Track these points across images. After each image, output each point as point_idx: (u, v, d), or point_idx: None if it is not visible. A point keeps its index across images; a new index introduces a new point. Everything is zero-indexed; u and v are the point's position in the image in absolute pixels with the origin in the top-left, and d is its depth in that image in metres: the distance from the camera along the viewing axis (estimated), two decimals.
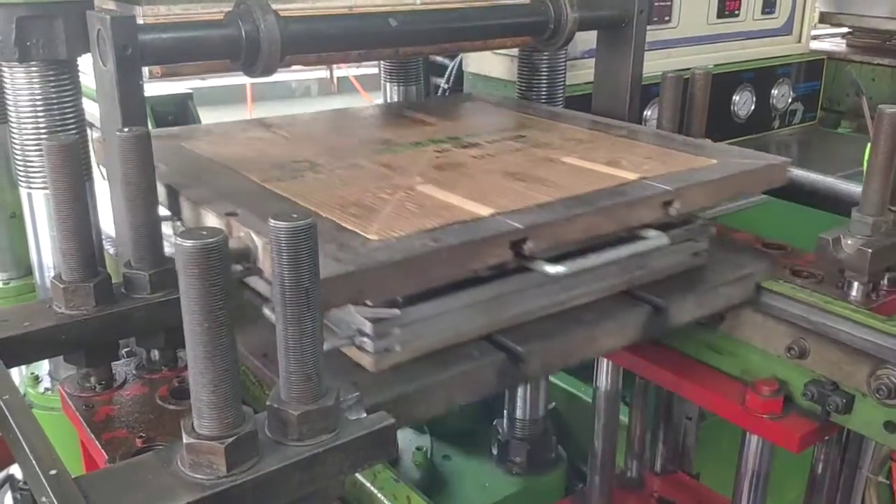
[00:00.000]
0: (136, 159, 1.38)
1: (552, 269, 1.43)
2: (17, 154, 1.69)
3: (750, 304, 1.82)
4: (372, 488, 1.22)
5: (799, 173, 2.12)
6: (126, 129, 1.38)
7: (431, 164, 1.74)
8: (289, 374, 1.06)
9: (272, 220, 1.00)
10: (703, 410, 2.51)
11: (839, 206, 2.32)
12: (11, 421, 1.10)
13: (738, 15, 3.35)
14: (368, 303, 1.34)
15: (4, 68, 1.63)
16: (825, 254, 1.79)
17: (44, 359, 1.69)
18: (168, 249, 1.47)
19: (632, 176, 1.66)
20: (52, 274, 1.74)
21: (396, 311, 1.36)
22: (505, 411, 2.82)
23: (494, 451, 2.83)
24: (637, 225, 1.59)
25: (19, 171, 1.71)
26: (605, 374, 2.18)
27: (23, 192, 1.74)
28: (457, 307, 1.46)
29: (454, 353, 1.45)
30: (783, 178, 1.83)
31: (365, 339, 1.36)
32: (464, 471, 2.85)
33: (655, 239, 1.59)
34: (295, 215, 1.01)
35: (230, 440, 0.99)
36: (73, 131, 1.65)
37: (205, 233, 0.95)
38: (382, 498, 1.21)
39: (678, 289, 1.72)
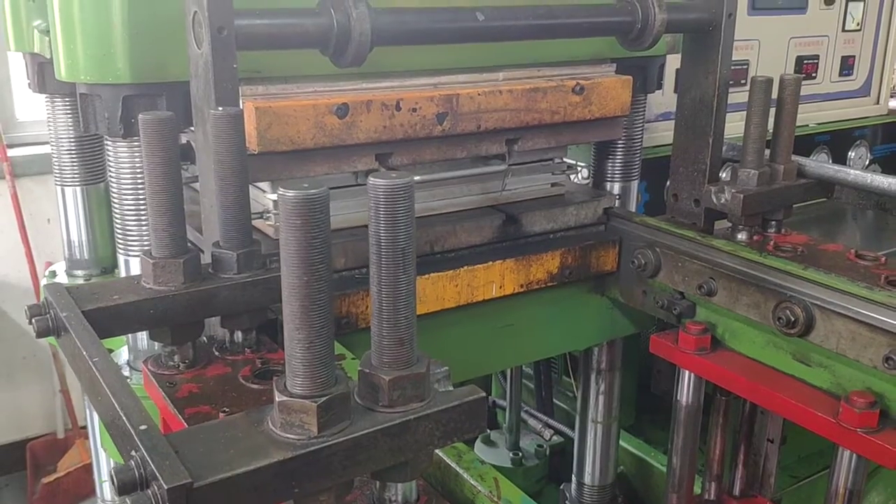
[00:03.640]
0: (229, 139, 1.39)
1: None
2: (117, 222, 1.73)
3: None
4: (458, 469, 1.19)
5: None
6: (220, 108, 1.39)
7: None
8: (381, 338, 1.03)
9: (371, 178, 0.99)
10: (786, 434, 2.40)
11: None
12: (102, 381, 1.09)
13: (815, 77, 3.32)
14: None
15: (108, 142, 1.69)
16: None
17: (131, 332, 1.70)
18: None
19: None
20: (143, 344, 1.80)
21: None
22: (573, 476, 2.75)
23: None
24: (485, 155, 2.02)
25: (118, 237, 1.75)
26: (686, 387, 2.10)
27: (120, 258, 1.78)
28: (346, 201, 1.91)
29: (344, 231, 1.89)
30: (617, 133, 2.22)
31: (269, 215, 1.85)
32: None
33: (494, 166, 2.06)
34: (394, 175, 0.99)
35: (323, 399, 0.97)
36: None
37: (306, 185, 0.94)
38: (468, 478, 1.17)
39: (536, 207, 2.14)
